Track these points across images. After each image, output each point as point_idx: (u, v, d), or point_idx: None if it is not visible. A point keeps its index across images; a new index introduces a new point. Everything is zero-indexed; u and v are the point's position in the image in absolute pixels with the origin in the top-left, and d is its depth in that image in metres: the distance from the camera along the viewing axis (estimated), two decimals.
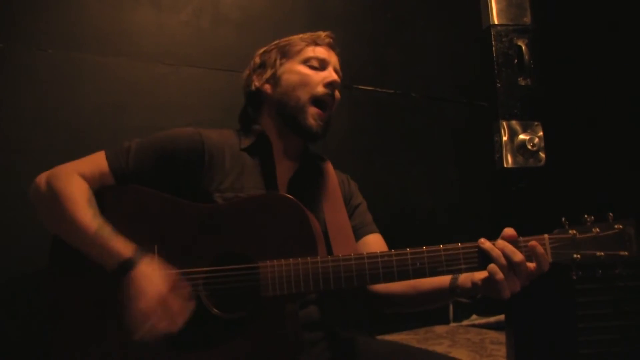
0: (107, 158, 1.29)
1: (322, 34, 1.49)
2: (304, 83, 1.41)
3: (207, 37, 2.07)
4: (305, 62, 1.43)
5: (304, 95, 1.39)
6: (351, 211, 1.50)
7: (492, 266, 1.11)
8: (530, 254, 1.11)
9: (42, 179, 1.26)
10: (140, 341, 1.08)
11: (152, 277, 1.12)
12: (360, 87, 2.37)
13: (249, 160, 1.38)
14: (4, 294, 1.62)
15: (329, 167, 1.51)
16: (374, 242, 1.45)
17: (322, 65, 1.44)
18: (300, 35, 1.49)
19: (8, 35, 1.74)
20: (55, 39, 1.81)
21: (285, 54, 1.46)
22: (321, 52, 1.45)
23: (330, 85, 1.41)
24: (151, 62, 1.96)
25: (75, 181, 1.23)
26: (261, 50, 1.52)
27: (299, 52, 1.45)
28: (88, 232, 1.16)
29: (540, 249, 1.11)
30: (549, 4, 1.61)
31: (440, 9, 2.56)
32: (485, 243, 1.14)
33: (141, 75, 1.95)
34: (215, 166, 1.32)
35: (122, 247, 1.15)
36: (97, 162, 1.29)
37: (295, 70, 1.43)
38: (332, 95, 1.42)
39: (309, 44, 1.45)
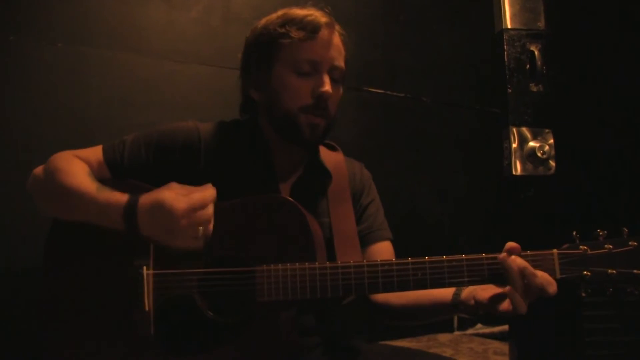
0: (104, 150, 1.27)
1: (315, 19, 1.24)
2: (291, 95, 1.25)
3: (217, 35, 2.06)
4: (293, 66, 1.24)
5: (291, 106, 1.25)
6: (360, 212, 1.41)
7: (511, 290, 1.06)
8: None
9: (39, 168, 1.24)
10: (206, 243, 1.08)
11: (158, 195, 1.09)
12: (370, 89, 2.34)
13: (249, 161, 1.31)
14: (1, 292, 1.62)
15: (339, 159, 1.41)
16: (381, 252, 1.38)
17: (314, 67, 1.25)
18: (290, 17, 1.25)
19: (18, 28, 1.74)
20: (66, 33, 1.81)
21: (270, 54, 1.27)
22: (310, 50, 1.24)
23: (319, 97, 1.24)
24: (160, 59, 1.95)
25: (74, 160, 1.22)
26: (247, 42, 1.33)
27: (285, 53, 1.25)
28: (89, 194, 1.14)
29: (541, 274, 1.06)
30: (563, 9, 1.58)
31: (453, 13, 2.54)
32: (505, 261, 1.07)
33: (150, 72, 1.94)
34: (212, 166, 1.27)
35: (123, 196, 1.12)
36: (94, 153, 1.27)
37: (281, 79, 1.26)
38: (324, 107, 1.25)
39: (294, 41, 1.23)
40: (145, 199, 1.10)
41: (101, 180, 1.21)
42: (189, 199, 1.07)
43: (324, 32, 1.25)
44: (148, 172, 1.25)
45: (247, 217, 1.18)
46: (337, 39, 1.29)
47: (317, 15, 1.26)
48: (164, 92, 1.95)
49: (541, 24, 1.54)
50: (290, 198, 1.18)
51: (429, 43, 2.49)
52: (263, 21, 1.31)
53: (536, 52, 1.53)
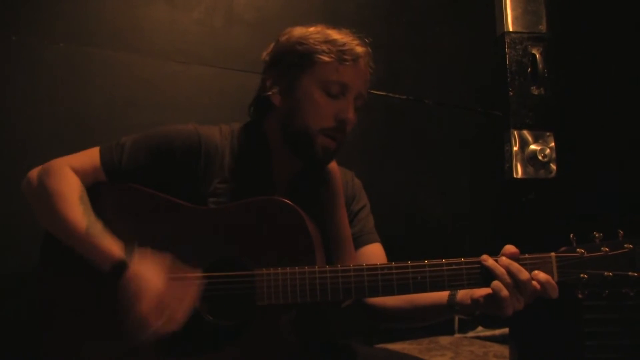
0: (101, 154, 1.26)
1: (355, 47, 1.26)
2: (315, 113, 1.25)
3: (220, 36, 2.06)
4: (324, 85, 1.25)
5: (312, 125, 1.25)
6: (352, 216, 1.42)
7: (496, 283, 1.07)
8: (535, 277, 1.08)
9: (34, 173, 1.23)
10: (142, 344, 1.06)
11: (147, 275, 1.08)
12: (372, 91, 2.34)
13: (247, 164, 1.31)
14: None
15: (333, 167, 1.40)
16: (373, 253, 1.38)
17: (343, 91, 1.26)
18: (332, 38, 1.25)
19: (20, 27, 1.74)
20: (67, 33, 1.81)
21: (303, 65, 1.26)
22: (345, 74, 1.25)
23: (342, 122, 1.26)
24: (162, 59, 1.96)
25: (67, 177, 1.21)
26: (272, 49, 1.33)
27: (320, 69, 1.25)
28: (78, 231, 1.14)
29: (544, 276, 1.07)
30: (565, 12, 1.58)
31: (455, 15, 2.53)
32: (488, 260, 1.10)
33: (152, 72, 1.94)
34: (211, 168, 1.26)
35: (113, 247, 1.12)
36: (90, 157, 1.26)
37: (309, 94, 1.25)
38: (343, 130, 1.27)
39: (332, 61, 1.24)
40: (135, 270, 1.09)
41: (99, 184, 1.23)
42: (163, 299, 1.06)
43: (361, 62, 1.27)
44: (147, 176, 1.25)
45: (245, 220, 1.18)
46: (368, 71, 1.32)
47: (358, 44, 1.28)
48: (165, 92, 1.95)
49: (543, 27, 1.53)
50: (288, 201, 1.18)
51: (431, 45, 2.49)
52: (299, 30, 1.30)
53: (538, 55, 1.52)
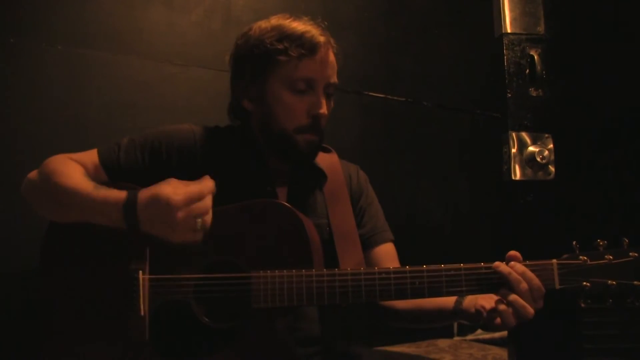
0: (99, 153, 1.27)
1: (313, 37, 1.23)
2: (288, 114, 1.25)
3: (218, 39, 2.06)
4: (289, 83, 1.24)
5: (288, 127, 1.25)
6: (361, 214, 1.40)
7: (513, 296, 1.06)
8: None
9: (33, 173, 1.24)
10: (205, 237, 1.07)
11: (160, 186, 1.07)
12: (371, 93, 2.34)
13: (245, 165, 1.31)
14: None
15: (334, 160, 1.41)
16: (387, 254, 1.37)
17: (310, 85, 1.25)
18: (288, 32, 1.23)
19: (18, 30, 1.74)
20: (65, 35, 1.80)
21: (265, 68, 1.25)
22: (307, 68, 1.23)
23: (315, 117, 1.25)
24: (161, 62, 1.95)
25: (70, 162, 1.21)
26: (232, 54, 1.32)
27: (282, 69, 1.23)
28: (86, 192, 1.12)
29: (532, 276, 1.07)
30: (563, 13, 1.58)
31: (454, 17, 2.53)
32: (500, 266, 1.08)
33: (150, 74, 1.94)
34: (207, 169, 1.22)
35: (122, 192, 1.10)
36: (89, 156, 1.26)
37: (277, 96, 1.25)
38: (319, 126, 1.27)
39: (292, 58, 1.22)
40: (144, 194, 1.08)
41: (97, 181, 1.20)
42: (185, 191, 1.05)
43: (321, 51, 1.24)
44: (144, 175, 1.24)
45: (243, 222, 1.18)
46: (332, 56, 1.28)
47: (315, 32, 1.24)
48: (164, 94, 1.95)
49: (541, 28, 1.53)
50: (286, 203, 1.18)
51: (430, 47, 2.48)
52: (256, 30, 1.28)
53: (536, 57, 1.53)
